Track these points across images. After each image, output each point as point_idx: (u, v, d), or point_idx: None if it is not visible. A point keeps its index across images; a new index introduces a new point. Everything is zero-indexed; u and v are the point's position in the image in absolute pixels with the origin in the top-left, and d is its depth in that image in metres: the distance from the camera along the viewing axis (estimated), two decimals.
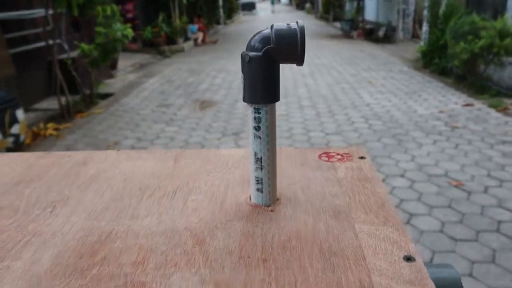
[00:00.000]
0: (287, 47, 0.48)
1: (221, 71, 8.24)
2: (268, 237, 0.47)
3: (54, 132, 4.60)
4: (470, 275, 2.10)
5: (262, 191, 0.52)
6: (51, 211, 0.54)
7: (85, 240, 0.48)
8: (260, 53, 0.48)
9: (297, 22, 0.49)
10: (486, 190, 2.99)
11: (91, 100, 5.91)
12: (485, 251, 2.28)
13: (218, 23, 18.63)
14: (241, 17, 27.13)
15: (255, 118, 0.50)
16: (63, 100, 5.21)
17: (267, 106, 0.50)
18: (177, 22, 11.27)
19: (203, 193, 0.58)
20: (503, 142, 3.92)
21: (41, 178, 0.63)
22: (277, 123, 3.72)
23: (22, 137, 3.98)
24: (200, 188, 0.59)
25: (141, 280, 0.41)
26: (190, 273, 0.41)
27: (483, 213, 2.68)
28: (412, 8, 11.52)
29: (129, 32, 5.63)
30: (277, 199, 0.54)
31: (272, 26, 0.49)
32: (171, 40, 11.09)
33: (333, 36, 14.25)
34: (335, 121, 4.84)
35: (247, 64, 0.48)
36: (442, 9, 7.64)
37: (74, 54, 5.79)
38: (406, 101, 5.57)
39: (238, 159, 0.68)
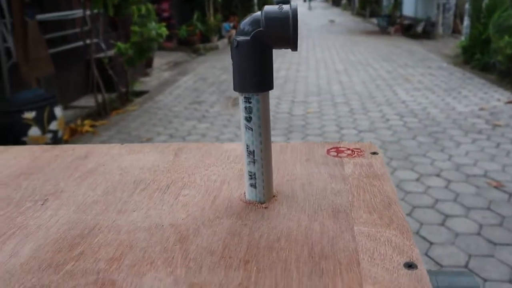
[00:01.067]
0: (278, 30, 0.44)
1: None
2: (256, 237, 0.44)
3: (90, 129, 4.72)
4: (510, 281, 1.99)
5: (255, 187, 0.49)
6: (42, 204, 0.54)
7: (67, 233, 0.47)
8: (249, 37, 0.45)
9: (290, 4, 0.45)
10: None
11: (127, 97, 6.03)
12: None
13: None
14: None
15: (245, 108, 0.47)
16: (99, 98, 5.33)
17: (259, 95, 0.46)
18: (211, 20, 11.34)
19: (197, 188, 0.56)
20: None
21: (41, 170, 0.64)
22: (308, 120, 3.69)
23: (60, 133, 4.10)
24: (195, 182, 0.57)
25: (113, 278, 0.39)
26: (165, 272, 0.39)
27: None
28: (453, 2, 11.12)
29: (163, 30, 5.70)
30: (273, 196, 0.51)
31: (262, 9, 0.46)
32: (205, 38, 11.18)
33: (370, 33, 13.97)
34: (368, 118, 4.73)
35: (235, 49, 0.45)
36: (485, 2, 7.33)
37: (111, 53, 5.92)
38: (444, 98, 5.37)
39: (239, 153, 0.65)
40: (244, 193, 0.52)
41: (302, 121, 4.78)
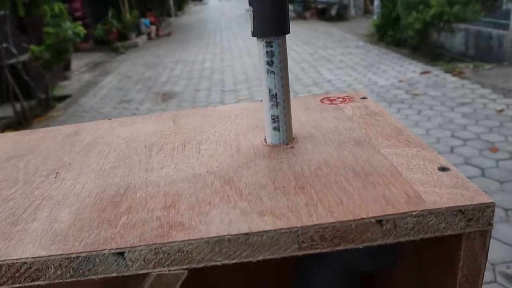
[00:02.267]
0: None
1: (178, 63, 8.11)
2: (297, 169, 0.45)
3: None
4: None
5: (279, 130, 0.51)
6: (55, 177, 0.51)
7: (102, 195, 0.45)
8: None
9: None
10: (452, 150, 3.10)
11: (48, 103, 5.69)
12: None
13: (169, 15, 18.28)
14: (192, 8, 26.74)
15: (267, 52, 0.48)
16: (18, 106, 4.98)
17: (279, 38, 0.48)
18: (128, 17, 10.98)
19: (214, 142, 0.56)
20: (462, 104, 4.06)
21: (33, 151, 0.60)
22: None
23: None
24: (209, 138, 0.57)
25: (177, 220, 0.38)
26: (228, 207, 0.39)
27: None
28: None
29: (81, 30, 5.44)
30: (294, 138, 0.53)
31: None
32: (123, 36, 10.80)
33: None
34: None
35: None
36: None
37: (24, 57, 5.54)
38: (366, 74, 5.67)
39: (239, 112, 0.66)
40: (265, 139, 0.53)
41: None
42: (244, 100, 5.10)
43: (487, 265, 2.03)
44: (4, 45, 5.00)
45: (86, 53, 9.48)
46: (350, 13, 12.12)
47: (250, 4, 0.47)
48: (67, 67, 7.42)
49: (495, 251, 2.07)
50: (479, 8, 5.93)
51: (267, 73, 0.48)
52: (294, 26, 12.18)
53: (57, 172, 0.52)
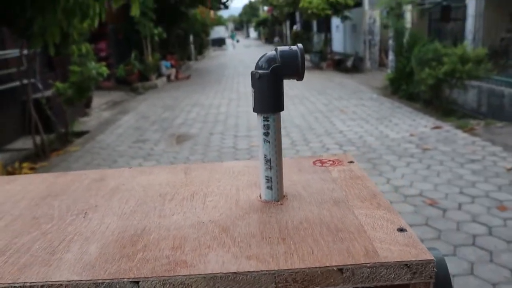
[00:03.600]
0: (290, 65, 0.56)
1: (195, 106, 8.34)
2: (283, 223, 0.54)
3: (29, 172, 4.54)
4: None
5: (271, 189, 0.60)
6: (84, 217, 0.60)
7: (123, 235, 0.54)
8: (268, 71, 0.56)
9: (297, 45, 0.57)
10: (460, 207, 3.12)
11: (67, 138, 5.88)
12: (463, 264, 2.37)
13: (189, 59, 18.91)
14: (212, 53, 27.64)
15: (264, 125, 0.58)
16: (38, 139, 5.16)
17: (275, 114, 0.57)
18: (149, 59, 11.41)
19: (217, 195, 0.65)
20: (472, 161, 4.09)
21: (65, 192, 0.69)
22: (253, 153, 3.81)
23: None
24: (214, 192, 0.66)
25: (182, 259, 0.47)
26: (223, 251, 0.48)
27: (459, 228, 2.79)
28: (377, 38, 12.03)
29: (104, 70, 5.69)
30: (284, 196, 0.61)
31: (276, 49, 0.57)
32: (144, 77, 11.20)
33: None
34: (310, 149, 4.96)
35: (258, 80, 0.56)
36: (406, 38, 8.03)
37: (49, 93, 5.79)
38: (378, 127, 5.76)
39: (241, 168, 0.74)
40: (260, 195, 0.62)
41: (247, 155, 4.91)
42: (257, 146, 5.19)
43: None
44: (32, 80, 5.25)
45: (107, 91, 9.82)
46: (366, 65, 12.41)
47: (252, 86, 0.56)
48: (88, 104, 7.69)
49: None
50: (491, 67, 6.06)
51: (264, 142, 0.58)
52: (310, 76, 12.49)
53: (86, 212, 0.61)
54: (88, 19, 4.34)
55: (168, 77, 12.64)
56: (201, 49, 23.30)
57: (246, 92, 9.81)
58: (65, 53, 5.14)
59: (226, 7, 18.96)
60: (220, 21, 35.38)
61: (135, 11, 3.74)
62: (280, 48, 0.58)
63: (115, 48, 10.95)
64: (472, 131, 5.15)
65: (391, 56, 9.45)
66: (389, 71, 9.36)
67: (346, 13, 13.20)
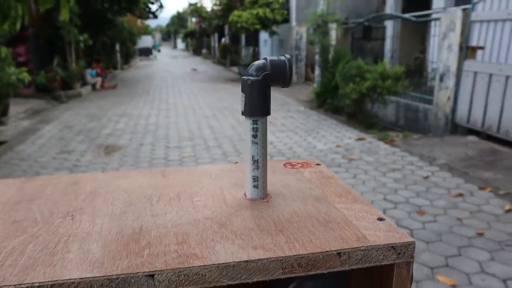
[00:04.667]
0: (279, 73, 0.60)
1: (123, 116, 8.11)
2: (275, 217, 0.58)
3: None
4: None
5: (258, 187, 0.63)
6: (72, 219, 0.57)
7: (122, 234, 0.53)
8: (260, 78, 0.59)
9: (284, 55, 0.61)
10: (384, 212, 3.33)
11: None
12: None
13: (115, 68, 18.33)
14: (138, 63, 27.00)
15: (253, 128, 0.61)
16: None
17: (263, 118, 0.61)
18: (73, 66, 10.90)
19: (203, 195, 0.66)
20: (393, 170, 4.40)
21: (40, 196, 0.66)
22: (185, 164, 3.81)
23: None
24: (198, 192, 0.67)
25: (191, 252, 0.48)
26: (228, 244, 0.50)
27: None
28: (303, 53, 12.52)
29: (25, 76, 5.37)
30: (268, 194, 0.65)
31: (266, 58, 0.61)
32: (67, 85, 10.65)
33: (232, 80, 14.83)
34: (241, 160, 5.02)
35: (249, 86, 0.59)
36: (331, 54, 8.45)
37: None
38: (306, 138, 5.99)
39: (218, 171, 0.76)
40: (245, 194, 0.64)
41: (179, 166, 4.86)
42: (188, 157, 5.17)
43: None
44: None
45: (26, 99, 9.22)
46: (292, 79, 12.82)
47: (242, 91, 0.60)
48: (4, 112, 7.17)
49: None
50: (408, 84, 6.57)
51: (252, 143, 0.61)
52: (238, 88, 12.54)
53: (72, 215, 0.59)
54: (8, 21, 4.09)
55: (94, 86, 12.15)
56: (127, 58, 22.67)
57: (175, 103, 9.71)
58: None
59: (156, 16, 18.70)
60: (147, 31, 34.71)
61: (64, 16, 3.59)
62: (269, 57, 0.62)
63: (36, 53, 10.33)
64: (392, 142, 5.53)
65: (317, 71, 9.87)
66: (315, 85, 9.77)
67: (274, 28, 13.60)
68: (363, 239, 0.51)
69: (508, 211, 3.32)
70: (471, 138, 5.54)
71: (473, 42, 5.75)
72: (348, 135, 6.11)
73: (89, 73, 12.04)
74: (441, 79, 6.14)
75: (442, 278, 2.45)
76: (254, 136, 0.62)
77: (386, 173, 4.31)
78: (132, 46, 24.46)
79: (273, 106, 6.85)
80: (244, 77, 0.61)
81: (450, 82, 5.97)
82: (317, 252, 0.49)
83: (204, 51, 31.79)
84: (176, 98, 10.65)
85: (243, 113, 0.62)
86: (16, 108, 7.98)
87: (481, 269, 2.53)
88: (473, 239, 2.89)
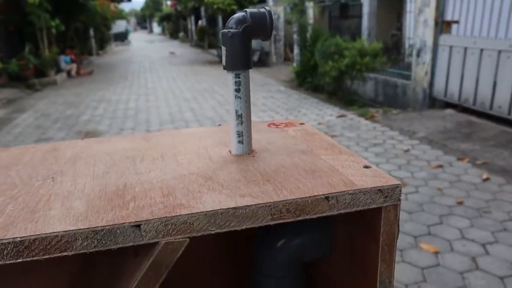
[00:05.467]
0: (260, 25, 0.59)
1: (101, 102, 7.97)
2: (261, 169, 0.57)
3: None
4: None
5: (243, 143, 0.62)
6: (52, 181, 0.55)
7: (106, 190, 0.52)
8: (240, 30, 0.58)
9: (265, 8, 0.60)
10: None
11: None
12: None
13: (90, 54, 17.93)
14: (114, 48, 26.45)
15: (235, 82, 0.60)
16: None
17: (245, 71, 0.60)
18: (46, 53, 10.61)
19: (188, 154, 0.65)
20: (375, 145, 4.46)
21: (18, 163, 0.63)
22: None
23: None
24: (182, 152, 0.66)
25: (178, 203, 0.48)
26: (215, 194, 0.50)
27: None
28: (282, 33, 12.44)
29: None
30: (253, 150, 0.64)
31: (246, 11, 0.60)
32: (41, 73, 10.38)
33: (211, 62, 14.68)
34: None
35: (229, 38, 0.58)
36: (309, 33, 8.42)
37: None
38: (287, 117, 5.99)
39: (202, 133, 0.75)
40: (229, 151, 0.63)
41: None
42: None
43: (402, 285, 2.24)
44: None
45: None
46: (271, 59, 12.78)
47: (223, 44, 0.59)
48: None
49: (406, 274, 2.30)
50: (386, 60, 6.62)
51: (235, 98, 0.60)
52: (218, 70, 12.54)
53: (53, 177, 0.57)
54: None
55: (69, 72, 11.87)
56: (102, 44, 22.18)
57: (154, 87, 9.58)
58: None
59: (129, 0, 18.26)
60: (121, 15, 33.93)
61: None
62: (249, 10, 0.61)
63: (5, 41, 10.01)
64: (373, 118, 5.59)
65: (296, 50, 9.84)
66: (294, 64, 9.75)
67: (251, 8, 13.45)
68: (350, 184, 0.51)
69: (485, 179, 3.42)
70: (449, 111, 5.64)
71: (448, 17, 5.80)
72: (329, 113, 6.14)
73: (63, 60, 11.75)
74: (418, 54, 6.20)
75: (425, 246, 2.52)
76: (237, 91, 0.62)
77: (368, 148, 4.36)
78: (107, 31, 23.90)
79: (253, 87, 6.82)
80: (225, 30, 0.60)
81: (427, 57, 6.03)
82: (305, 196, 0.49)
83: (181, 34, 31.31)
84: (155, 82, 10.50)
85: (224, 68, 0.62)
86: None
87: (462, 235, 2.61)
88: (453, 207, 2.97)
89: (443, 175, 3.58)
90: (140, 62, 16.07)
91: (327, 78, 6.96)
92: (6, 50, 9.81)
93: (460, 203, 3.03)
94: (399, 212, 0.52)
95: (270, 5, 12.69)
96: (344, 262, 0.63)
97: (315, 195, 0.49)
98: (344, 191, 0.50)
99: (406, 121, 5.33)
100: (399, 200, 0.51)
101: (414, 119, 5.41)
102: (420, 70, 6.19)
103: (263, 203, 0.47)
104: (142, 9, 64.40)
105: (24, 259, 0.42)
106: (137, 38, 40.64)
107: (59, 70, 11.40)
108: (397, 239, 0.52)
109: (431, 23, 5.85)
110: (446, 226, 2.73)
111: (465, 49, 5.43)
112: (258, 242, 0.65)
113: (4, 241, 0.41)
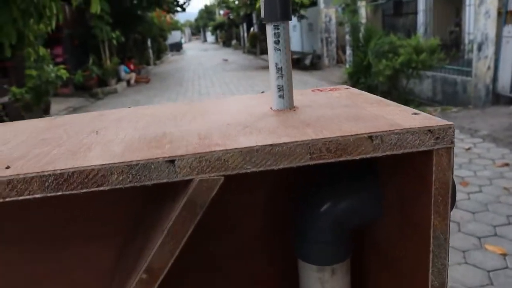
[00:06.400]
0: None
1: None
2: (302, 118, 0.55)
3: None
4: None
5: (283, 97, 0.61)
6: (96, 134, 0.57)
7: (145, 137, 0.52)
8: None
9: None
10: None
11: None
12: None
13: (148, 63, 18.64)
14: (170, 57, 27.32)
15: (275, 33, 0.59)
16: None
17: (284, 23, 0.59)
18: (108, 64, 11.17)
19: (229, 111, 0.65)
20: None
21: (67, 124, 0.66)
22: None
23: None
24: (224, 111, 0.66)
25: (213, 142, 0.47)
26: (252, 136, 0.49)
27: None
28: (334, 36, 12.31)
29: (63, 73, 5.55)
30: (295, 106, 0.63)
31: None
32: (103, 82, 10.95)
33: (263, 67, 14.76)
34: None
35: None
36: (361, 33, 8.26)
37: (5, 99, 5.57)
38: None
39: (243, 100, 0.75)
40: (271, 108, 0.63)
41: None
42: None
43: None
44: None
45: (65, 98, 9.54)
46: (324, 62, 12.66)
47: None
48: (46, 110, 7.44)
49: (470, 276, 2.17)
50: (444, 57, 6.35)
51: (275, 50, 0.60)
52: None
53: (97, 132, 0.59)
54: (44, 20, 4.22)
55: (128, 81, 12.42)
56: (159, 54, 23.01)
57: (208, 93, 9.79)
58: (20, 56, 4.97)
59: (183, 9, 18.81)
60: (176, 26, 35.05)
61: (95, 8, 3.67)
62: None
63: (72, 54, 10.65)
64: None
65: (348, 51, 9.69)
66: (347, 65, 9.59)
67: (302, 12, 13.42)
68: (397, 125, 0.47)
69: None
70: None
71: None
72: None
73: (123, 70, 12.31)
74: (479, 49, 5.89)
75: (491, 247, 2.37)
76: (276, 42, 0.60)
77: None
78: (163, 42, 24.78)
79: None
80: None
81: (489, 50, 5.72)
82: (347, 135, 0.46)
83: (233, 42, 31.80)
84: (209, 88, 10.73)
85: (263, 20, 0.61)
86: (57, 106, 8.28)
87: None
88: None
89: (510, 173, 3.36)
90: (194, 69, 16.48)
91: (381, 77, 6.78)
92: (72, 62, 10.43)
93: None
94: (453, 157, 0.47)
95: (321, 7, 12.61)
96: (394, 223, 0.60)
97: (358, 134, 0.46)
98: (390, 130, 0.46)
99: (466, 119, 5.07)
100: (452, 143, 0.46)
101: (475, 117, 5.14)
102: (481, 65, 5.87)
103: (302, 141, 0.45)
104: (196, 20, 66.17)
105: (64, 192, 0.43)
106: (191, 47, 41.74)
107: (119, 80, 11.95)
108: (451, 187, 0.48)
109: (494, 14, 5.55)
110: None
111: None
112: (301, 205, 0.64)
113: (45, 173, 0.42)
